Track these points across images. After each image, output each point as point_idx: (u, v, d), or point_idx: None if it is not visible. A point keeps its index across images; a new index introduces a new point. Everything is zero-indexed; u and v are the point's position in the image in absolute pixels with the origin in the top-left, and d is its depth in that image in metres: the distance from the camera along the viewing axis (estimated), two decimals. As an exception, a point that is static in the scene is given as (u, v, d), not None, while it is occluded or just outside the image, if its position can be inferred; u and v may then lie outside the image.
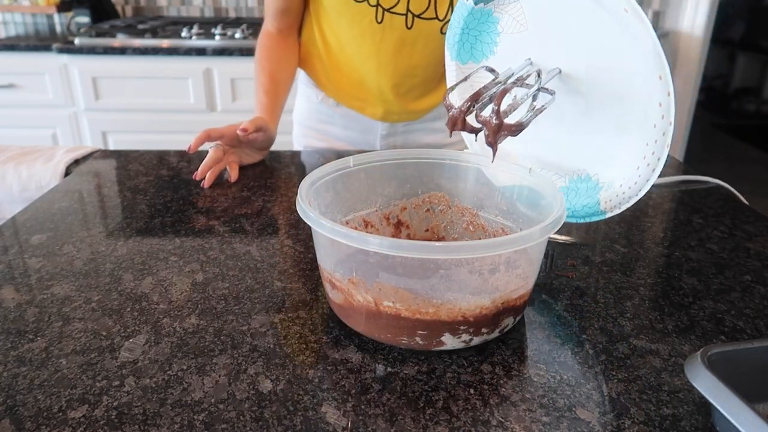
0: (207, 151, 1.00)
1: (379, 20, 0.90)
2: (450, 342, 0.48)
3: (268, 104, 0.95)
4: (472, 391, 0.45)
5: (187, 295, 0.57)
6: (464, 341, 0.48)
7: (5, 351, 0.48)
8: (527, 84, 0.56)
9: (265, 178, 0.87)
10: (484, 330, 0.48)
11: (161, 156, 0.96)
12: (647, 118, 0.52)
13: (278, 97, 0.98)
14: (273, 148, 0.96)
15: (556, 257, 0.65)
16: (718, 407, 0.37)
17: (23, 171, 0.91)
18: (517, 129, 0.52)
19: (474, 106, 0.52)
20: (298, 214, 0.50)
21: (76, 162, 0.94)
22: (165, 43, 1.98)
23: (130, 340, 0.50)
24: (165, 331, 0.51)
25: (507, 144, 0.66)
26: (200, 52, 1.98)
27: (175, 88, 2.04)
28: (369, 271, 0.47)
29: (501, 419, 0.42)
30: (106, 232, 0.69)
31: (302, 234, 0.69)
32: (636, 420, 0.42)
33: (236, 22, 2.27)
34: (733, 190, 0.84)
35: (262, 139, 0.90)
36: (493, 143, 0.52)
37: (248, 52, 1.96)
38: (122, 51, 1.98)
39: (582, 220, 0.61)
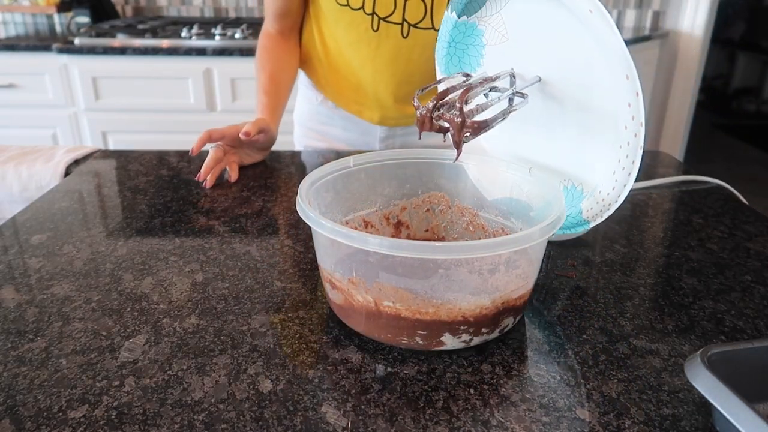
0: (207, 152, 1.00)
1: (375, 28, 0.91)
2: (450, 342, 0.48)
3: (269, 104, 0.95)
4: (472, 391, 0.45)
5: (187, 295, 0.57)
6: (464, 341, 0.48)
7: (5, 351, 0.48)
8: (498, 88, 0.56)
9: (265, 178, 0.87)
10: (484, 330, 0.48)
11: (161, 156, 0.96)
12: (618, 120, 0.52)
13: (279, 98, 0.98)
14: (273, 147, 0.96)
15: (556, 257, 0.65)
16: (718, 407, 0.37)
17: (23, 171, 0.91)
18: (480, 127, 0.52)
19: (442, 107, 0.52)
20: (298, 214, 0.50)
21: (76, 162, 0.94)
22: (165, 43, 1.98)
23: (130, 340, 0.50)
24: (165, 331, 0.51)
25: (498, 154, 0.66)
26: (200, 52, 1.98)
27: (175, 88, 2.04)
28: (369, 271, 0.47)
29: (501, 419, 0.42)
30: (106, 232, 0.69)
31: (302, 234, 0.69)
32: (636, 420, 0.42)
33: (236, 22, 2.27)
34: (733, 190, 0.84)
35: (263, 140, 0.90)
36: (457, 141, 0.52)
37: (248, 52, 1.96)
38: (122, 51, 1.98)
39: (566, 231, 0.62)
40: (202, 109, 2.06)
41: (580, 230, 0.58)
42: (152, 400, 0.43)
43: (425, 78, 0.99)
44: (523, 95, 0.56)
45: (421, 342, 0.48)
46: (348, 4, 0.89)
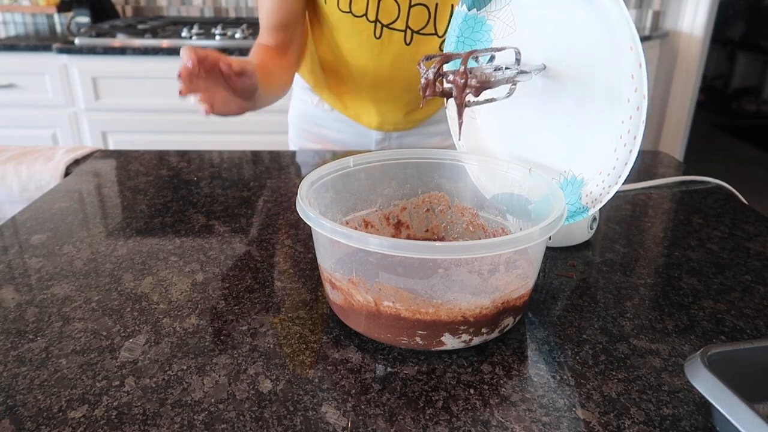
0: (207, 152, 1.00)
1: (378, 35, 0.89)
2: (450, 342, 0.48)
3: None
4: (472, 391, 0.45)
5: (187, 295, 0.57)
6: (464, 341, 0.48)
7: (5, 351, 0.48)
8: (501, 67, 0.56)
9: (265, 178, 0.87)
10: (484, 330, 0.48)
11: (161, 156, 0.96)
12: (621, 93, 0.51)
13: (265, 84, 0.80)
14: (273, 147, 0.96)
15: (556, 257, 0.65)
16: (718, 407, 0.37)
17: (23, 171, 0.91)
18: (482, 86, 0.52)
19: (443, 73, 0.52)
20: (298, 214, 0.50)
21: (76, 162, 0.94)
22: (165, 43, 1.98)
23: (130, 340, 0.50)
24: (165, 331, 0.51)
25: (496, 150, 0.66)
26: (200, 52, 1.97)
27: (175, 88, 2.03)
28: (369, 271, 0.47)
29: (501, 419, 0.42)
30: (106, 232, 0.69)
31: (302, 234, 0.69)
32: (636, 420, 0.42)
33: (236, 22, 2.27)
34: (733, 190, 0.84)
35: (245, 84, 0.71)
36: (460, 102, 0.52)
37: (248, 52, 1.94)
38: (122, 51, 1.98)
39: (565, 222, 0.61)
40: (202, 109, 2.06)
41: (578, 218, 0.58)
42: (152, 400, 0.43)
43: None
44: (527, 71, 0.56)
45: (421, 342, 0.48)
46: (351, 11, 0.87)
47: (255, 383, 0.45)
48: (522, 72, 0.56)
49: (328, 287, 0.52)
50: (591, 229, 0.66)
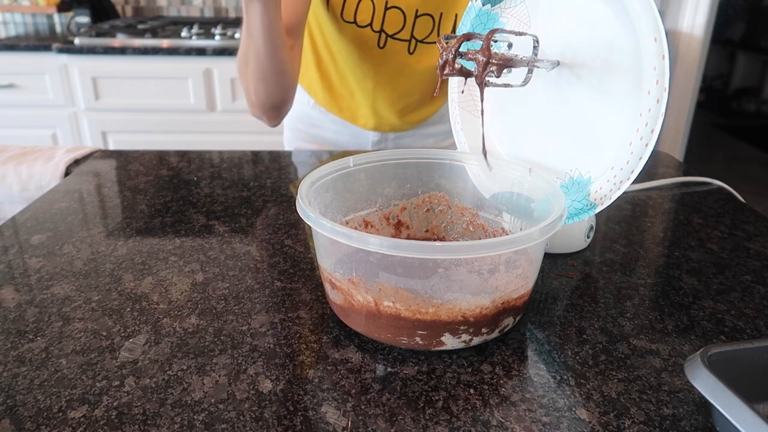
0: (207, 152, 1.00)
1: (382, 45, 0.88)
2: (450, 342, 0.48)
3: None
4: (472, 391, 0.45)
5: (187, 295, 0.57)
6: (464, 341, 0.48)
7: (5, 351, 0.48)
8: (523, 57, 0.56)
9: (265, 178, 0.87)
10: (484, 330, 0.48)
11: (161, 156, 0.96)
12: (641, 85, 0.51)
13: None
14: (273, 147, 0.96)
15: (557, 257, 0.65)
16: (718, 407, 0.37)
17: (23, 171, 0.91)
18: (504, 63, 0.51)
19: (463, 53, 0.52)
20: (298, 214, 0.50)
21: (76, 162, 0.94)
22: (165, 43, 1.98)
23: (130, 340, 0.50)
24: (165, 331, 0.51)
25: (500, 150, 0.66)
26: (200, 52, 1.98)
27: (175, 88, 2.04)
28: (369, 271, 0.47)
29: (501, 419, 0.42)
30: (106, 232, 0.69)
31: (302, 234, 0.69)
32: (636, 420, 0.42)
33: (236, 22, 2.27)
34: (734, 192, 0.84)
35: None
36: (480, 81, 0.51)
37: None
38: (122, 51, 1.98)
39: (571, 220, 0.61)
40: (202, 109, 2.06)
41: (584, 216, 0.57)
42: (152, 400, 0.43)
43: (427, 88, 0.98)
44: (544, 61, 0.56)
45: (421, 342, 0.48)
46: (355, 21, 0.86)
47: (255, 383, 0.45)
48: (540, 60, 0.56)
49: (328, 287, 0.52)
50: (588, 237, 0.66)
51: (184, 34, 2.05)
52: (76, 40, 1.99)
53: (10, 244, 0.66)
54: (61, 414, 0.42)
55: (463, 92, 0.67)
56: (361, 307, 0.48)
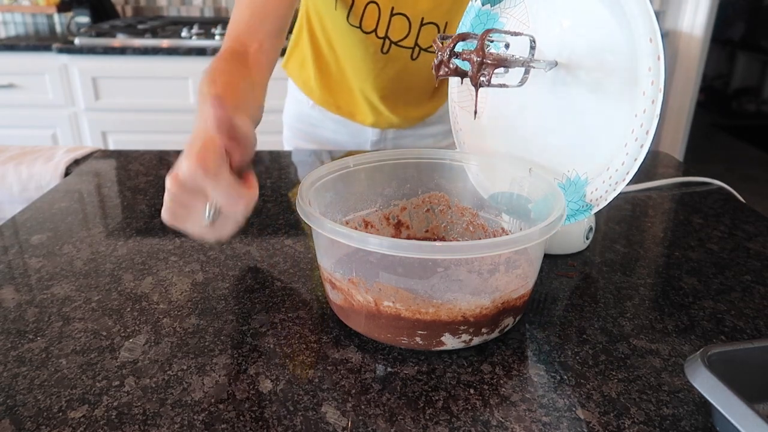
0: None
1: (385, 51, 0.89)
2: (450, 342, 0.48)
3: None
4: (472, 391, 0.45)
5: (187, 295, 0.57)
6: (464, 341, 0.48)
7: (5, 351, 0.48)
8: (518, 57, 0.56)
9: (265, 178, 0.87)
10: (484, 330, 0.48)
11: (161, 156, 0.96)
12: (636, 86, 0.51)
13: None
14: (272, 147, 0.96)
15: (557, 257, 0.65)
16: (718, 407, 0.37)
17: (23, 171, 0.91)
18: (498, 63, 0.51)
19: (458, 53, 0.51)
20: (298, 214, 0.50)
21: (76, 162, 0.93)
22: (165, 43, 1.98)
23: (130, 340, 0.50)
24: (165, 331, 0.51)
25: (498, 150, 0.66)
26: (200, 52, 1.98)
27: (175, 88, 2.04)
28: (369, 271, 0.47)
29: (501, 419, 0.42)
30: (106, 232, 0.69)
31: (302, 234, 0.69)
32: (636, 420, 0.42)
33: (236, 22, 2.27)
34: (734, 192, 0.84)
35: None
36: (475, 81, 0.51)
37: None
38: (122, 51, 1.98)
39: (567, 221, 0.60)
40: (202, 109, 2.06)
41: (581, 217, 0.57)
42: (152, 400, 0.43)
43: (426, 89, 0.98)
44: (541, 61, 0.56)
45: (421, 342, 0.48)
46: (360, 26, 0.86)
47: (255, 383, 0.45)
48: (536, 60, 0.56)
49: (328, 287, 0.52)
50: (587, 239, 0.66)
51: (184, 34, 2.05)
52: (76, 40, 1.99)
53: (10, 244, 0.66)
54: (61, 414, 0.42)
55: (462, 83, 0.67)
56: (361, 307, 0.48)
